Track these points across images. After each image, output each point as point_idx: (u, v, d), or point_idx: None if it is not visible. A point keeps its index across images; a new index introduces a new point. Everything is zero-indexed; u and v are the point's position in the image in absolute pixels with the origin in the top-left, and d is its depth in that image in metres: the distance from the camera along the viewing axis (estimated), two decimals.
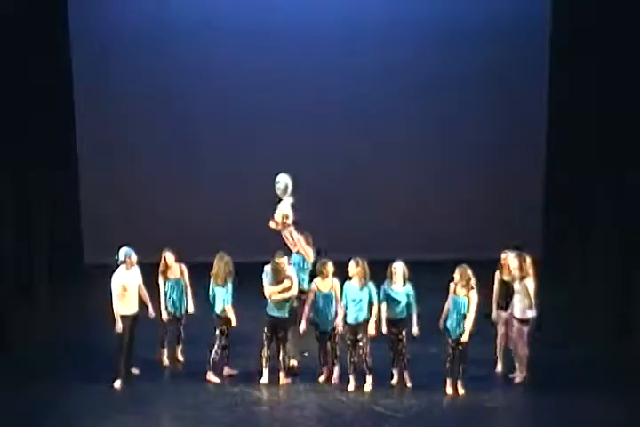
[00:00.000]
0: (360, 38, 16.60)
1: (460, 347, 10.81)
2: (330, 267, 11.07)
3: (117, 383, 11.13)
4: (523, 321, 11.16)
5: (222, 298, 11.23)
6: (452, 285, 10.85)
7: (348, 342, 10.94)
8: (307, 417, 10.10)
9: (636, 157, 12.61)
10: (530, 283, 11.07)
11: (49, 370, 11.56)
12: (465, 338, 10.73)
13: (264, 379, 11.15)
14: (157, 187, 16.93)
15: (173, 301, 11.97)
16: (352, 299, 10.84)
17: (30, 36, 14.12)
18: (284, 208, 11.98)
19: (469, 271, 10.73)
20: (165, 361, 12.03)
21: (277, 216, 11.97)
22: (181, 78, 16.72)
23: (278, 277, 11.07)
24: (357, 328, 10.85)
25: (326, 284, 11.08)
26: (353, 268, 10.82)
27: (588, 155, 14.37)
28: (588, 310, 13.57)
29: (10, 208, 13.38)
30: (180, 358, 12.18)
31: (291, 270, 11.26)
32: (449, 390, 10.87)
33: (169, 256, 11.93)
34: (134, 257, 11.20)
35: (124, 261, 11.15)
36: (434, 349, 11.80)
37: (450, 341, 10.87)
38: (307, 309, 11.13)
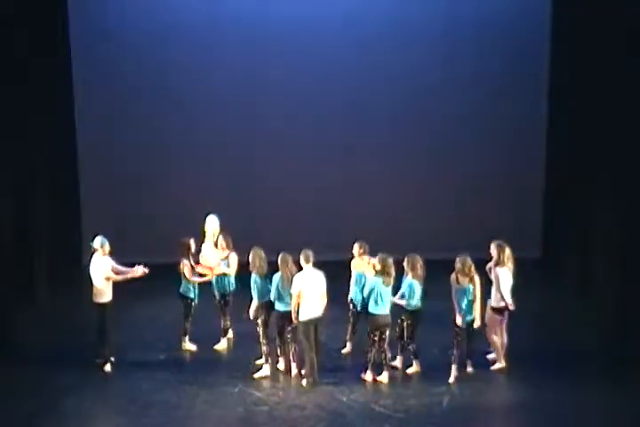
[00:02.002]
0: (360, 39, 16.60)
1: (471, 329, 11.18)
2: (356, 248, 11.81)
3: (108, 367, 11.46)
4: (495, 309, 11.34)
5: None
6: (452, 275, 11.15)
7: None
8: (307, 417, 10.10)
9: (637, 157, 12.61)
10: (502, 273, 11.24)
11: (49, 370, 11.56)
12: (477, 324, 11.11)
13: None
14: (157, 187, 16.93)
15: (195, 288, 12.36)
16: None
17: (30, 36, 14.12)
18: (212, 251, 12.26)
19: (469, 260, 11.09)
20: (192, 347, 12.34)
21: (207, 261, 12.11)
22: (182, 78, 16.72)
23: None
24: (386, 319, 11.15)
25: (360, 264, 11.65)
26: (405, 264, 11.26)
27: (588, 155, 14.37)
28: (588, 309, 13.57)
29: (10, 208, 13.38)
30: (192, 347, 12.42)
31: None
32: (451, 380, 11.09)
33: (193, 244, 12.21)
34: (107, 247, 11.41)
35: (97, 250, 11.38)
36: (435, 349, 11.83)
37: (458, 329, 11.16)
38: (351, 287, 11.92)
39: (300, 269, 11.11)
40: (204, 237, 12.61)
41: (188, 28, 16.56)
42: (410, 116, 16.93)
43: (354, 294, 11.92)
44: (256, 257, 11.40)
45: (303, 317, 10.99)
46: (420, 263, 11.19)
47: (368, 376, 11.19)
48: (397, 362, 11.55)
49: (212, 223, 12.62)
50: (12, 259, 13.20)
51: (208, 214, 12.72)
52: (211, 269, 12.21)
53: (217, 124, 16.90)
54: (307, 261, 11.04)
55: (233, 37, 16.59)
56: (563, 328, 13.18)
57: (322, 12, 16.68)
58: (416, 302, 11.24)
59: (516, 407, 10.59)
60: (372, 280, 11.08)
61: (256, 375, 11.36)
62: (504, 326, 11.51)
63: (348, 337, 12.17)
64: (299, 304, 10.93)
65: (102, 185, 16.84)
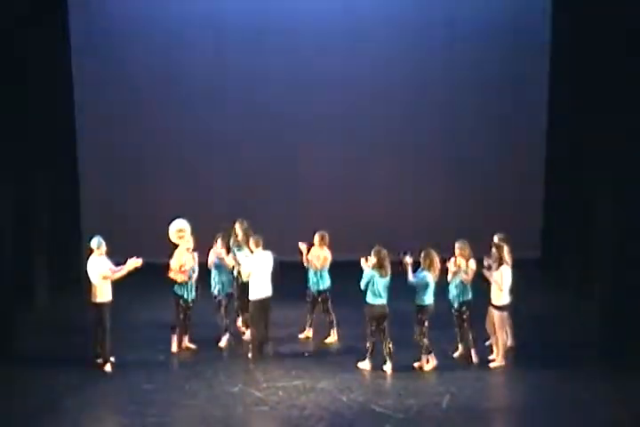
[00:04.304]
0: (360, 39, 16.62)
1: (464, 316, 11.60)
2: (316, 238, 12.44)
3: (108, 367, 11.51)
4: (499, 308, 11.51)
5: None
6: (452, 259, 11.60)
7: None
8: (307, 417, 10.09)
9: (637, 157, 12.60)
10: (505, 270, 11.45)
11: (49, 370, 11.56)
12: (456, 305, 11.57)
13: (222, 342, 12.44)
14: (157, 187, 16.94)
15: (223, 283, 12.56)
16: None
17: (30, 35, 14.10)
18: (185, 256, 12.22)
19: (468, 245, 11.59)
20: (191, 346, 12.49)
21: (175, 265, 12.19)
22: (182, 78, 16.75)
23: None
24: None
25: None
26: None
27: (588, 155, 14.36)
28: (588, 310, 13.57)
29: (10, 208, 13.36)
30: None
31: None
32: (456, 354, 11.72)
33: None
34: (104, 247, 11.53)
35: (93, 250, 11.49)
36: (434, 348, 11.83)
37: (453, 310, 11.69)
38: None
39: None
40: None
41: (189, 27, 16.57)
42: (409, 115, 16.94)
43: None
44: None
45: (254, 296, 11.72)
46: (436, 258, 11.37)
47: (366, 364, 11.44)
48: (423, 362, 11.64)
49: (187, 227, 12.31)
50: (12, 259, 13.19)
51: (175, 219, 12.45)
52: (183, 272, 12.23)
53: (217, 124, 16.91)
54: (257, 245, 11.83)
55: (235, 36, 16.62)
56: (563, 328, 13.17)
57: (322, 10, 16.71)
58: (427, 297, 11.35)
59: (517, 407, 10.58)
60: (369, 272, 11.30)
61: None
62: (505, 323, 11.67)
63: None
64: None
65: (102, 185, 16.85)
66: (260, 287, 11.80)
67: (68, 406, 10.56)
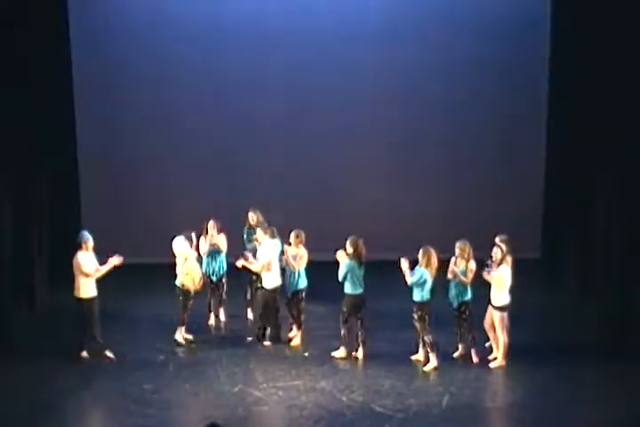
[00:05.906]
0: (358, 39, 16.60)
1: (464, 316, 11.62)
2: (292, 237, 12.40)
3: (84, 354, 11.77)
4: (500, 308, 11.50)
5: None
6: (452, 259, 11.63)
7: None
8: (307, 417, 10.09)
9: (637, 156, 12.61)
10: (504, 270, 11.44)
11: (49, 370, 11.56)
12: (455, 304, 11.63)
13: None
14: (158, 188, 16.93)
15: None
16: None
17: (30, 36, 14.11)
18: (197, 269, 12.32)
19: (469, 245, 11.59)
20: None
21: (188, 280, 12.21)
22: (182, 78, 16.72)
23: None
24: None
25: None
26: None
27: (587, 155, 14.36)
28: (588, 310, 13.57)
29: (10, 208, 13.37)
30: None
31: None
32: (456, 354, 11.78)
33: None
34: (91, 242, 11.62)
35: (80, 246, 11.57)
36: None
37: (453, 310, 11.70)
38: None
39: None
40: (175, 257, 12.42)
41: (188, 27, 16.53)
42: (409, 115, 16.91)
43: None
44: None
45: (270, 285, 12.07)
46: (434, 256, 11.37)
47: (341, 352, 11.75)
48: (420, 356, 11.68)
49: (177, 246, 12.35)
50: (12, 259, 13.19)
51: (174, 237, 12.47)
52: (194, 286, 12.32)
53: (218, 124, 16.89)
54: (268, 234, 12.25)
55: (235, 34, 16.54)
56: (563, 328, 13.17)
57: (321, 10, 16.70)
58: (425, 293, 11.35)
59: (516, 407, 10.58)
60: (347, 263, 11.48)
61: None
62: (505, 323, 11.62)
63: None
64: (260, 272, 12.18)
65: (102, 185, 16.83)
66: (275, 276, 12.18)
67: (67, 406, 10.56)
